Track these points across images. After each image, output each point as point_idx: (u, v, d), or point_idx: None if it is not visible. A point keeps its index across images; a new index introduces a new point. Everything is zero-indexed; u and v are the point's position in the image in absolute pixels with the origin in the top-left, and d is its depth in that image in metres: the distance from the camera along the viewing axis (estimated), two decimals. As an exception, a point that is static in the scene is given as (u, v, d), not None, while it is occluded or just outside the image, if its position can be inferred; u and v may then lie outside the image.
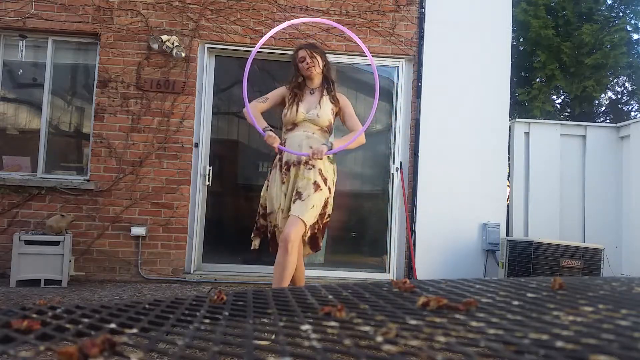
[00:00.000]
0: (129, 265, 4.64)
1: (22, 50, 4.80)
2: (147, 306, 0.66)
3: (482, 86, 5.07)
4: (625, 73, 9.62)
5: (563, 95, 10.00)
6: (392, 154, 5.14)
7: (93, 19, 4.76)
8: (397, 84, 5.18)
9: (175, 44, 4.68)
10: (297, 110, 2.79)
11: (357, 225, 5.41)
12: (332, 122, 2.88)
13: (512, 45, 6.10)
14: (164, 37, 4.66)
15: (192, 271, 4.79)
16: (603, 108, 10.53)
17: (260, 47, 2.78)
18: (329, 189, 2.80)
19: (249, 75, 2.75)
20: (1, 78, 4.86)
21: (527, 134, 5.31)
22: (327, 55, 3.02)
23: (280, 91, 2.94)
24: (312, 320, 0.56)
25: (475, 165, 4.98)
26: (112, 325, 0.54)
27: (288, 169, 2.76)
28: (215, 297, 0.71)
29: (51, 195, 4.61)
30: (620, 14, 9.39)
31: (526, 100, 9.06)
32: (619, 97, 10.39)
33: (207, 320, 0.58)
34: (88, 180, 4.68)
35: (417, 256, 4.87)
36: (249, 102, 2.80)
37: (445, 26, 5.04)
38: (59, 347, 0.43)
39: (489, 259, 4.94)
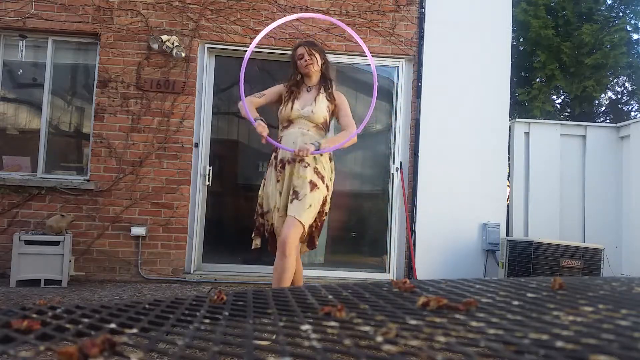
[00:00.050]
0: (129, 265, 4.64)
1: (22, 50, 4.80)
2: (147, 306, 0.66)
3: (482, 86, 5.07)
4: (625, 73, 9.63)
5: (563, 95, 10.00)
6: (392, 154, 5.14)
7: (93, 19, 4.76)
8: (397, 84, 5.18)
9: (175, 44, 4.68)
10: (291, 107, 2.76)
11: (357, 225, 5.41)
12: (328, 119, 2.83)
13: (512, 45, 6.10)
14: (164, 37, 4.67)
15: (192, 271, 4.79)
16: (603, 108, 10.53)
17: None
18: (327, 186, 2.76)
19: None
20: (1, 78, 4.86)
21: (527, 134, 5.32)
22: (326, 54, 3.00)
23: (277, 88, 2.92)
24: (312, 320, 0.56)
25: (475, 165, 4.98)
26: (112, 325, 0.54)
27: (283, 167, 2.73)
28: (215, 297, 0.71)
29: (51, 195, 4.61)
30: (620, 14, 9.39)
31: (526, 100, 9.06)
32: (619, 97, 10.40)
33: (207, 320, 0.58)
34: (88, 180, 4.68)
35: (417, 256, 4.87)
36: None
37: (445, 26, 5.04)
38: (59, 347, 0.43)
39: (489, 259, 4.94)
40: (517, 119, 5.47)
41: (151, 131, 4.75)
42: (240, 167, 5.49)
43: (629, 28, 9.20)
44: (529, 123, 5.42)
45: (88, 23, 4.76)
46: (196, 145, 4.85)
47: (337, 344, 0.45)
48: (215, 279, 4.67)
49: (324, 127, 2.82)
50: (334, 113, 2.88)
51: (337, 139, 2.79)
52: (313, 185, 2.66)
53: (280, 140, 2.78)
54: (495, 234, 4.85)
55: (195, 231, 4.82)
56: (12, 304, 3.43)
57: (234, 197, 5.40)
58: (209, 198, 4.96)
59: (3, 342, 0.48)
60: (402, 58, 5.11)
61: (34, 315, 0.59)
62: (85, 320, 0.57)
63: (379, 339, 0.47)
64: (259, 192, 2.89)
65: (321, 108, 2.77)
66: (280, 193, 2.72)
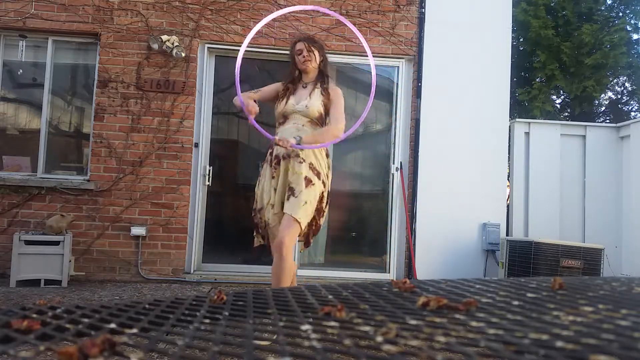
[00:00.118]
0: (129, 265, 4.64)
1: (22, 50, 4.80)
2: (147, 306, 0.66)
3: (482, 86, 5.07)
4: (625, 73, 9.63)
5: (563, 95, 10.01)
6: (392, 154, 5.14)
7: (93, 19, 4.76)
8: (397, 84, 5.18)
9: (175, 44, 4.68)
10: (286, 103, 2.74)
11: (357, 225, 5.41)
12: (323, 114, 2.76)
13: (512, 45, 6.10)
14: (164, 37, 4.67)
15: (192, 271, 4.79)
16: (603, 108, 10.54)
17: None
18: (323, 183, 2.70)
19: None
20: (1, 78, 4.86)
21: (527, 134, 5.32)
22: (326, 53, 2.96)
23: (274, 86, 2.89)
24: (312, 320, 0.56)
25: (475, 165, 4.98)
26: (112, 325, 0.54)
27: (278, 163, 2.69)
28: (215, 297, 0.71)
29: (51, 195, 4.61)
30: (620, 14, 9.40)
31: (526, 100, 9.06)
32: (619, 97, 10.40)
33: (207, 320, 0.58)
34: (88, 180, 4.68)
35: (417, 256, 4.87)
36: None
37: (445, 26, 5.04)
38: (59, 347, 0.43)
39: (489, 259, 4.94)
40: (517, 119, 5.47)
41: (151, 131, 4.75)
42: (240, 167, 5.49)
43: (629, 28, 9.21)
44: (529, 123, 5.42)
45: (88, 23, 4.76)
46: (196, 145, 4.85)
47: (337, 344, 0.45)
48: (215, 279, 4.67)
49: (320, 122, 2.75)
50: (328, 107, 2.79)
51: (319, 137, 2.68)
52: (308, 182, 2.61)
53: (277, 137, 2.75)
54: (495, 234, 4.85)
55: (195, 231, 4.82)
56: (12, 304, 3.43)
57: (234, 197, 5.40)
58: (209, 198, 4.96)
59: (3, 342, 0.48)
60: (402, 58, 5.11)
61: (34, 315, 0.59)
62: (85, 320, 0.57)
63: (379, 339, 0.47)
64: (256, 190, 2.84)
65: (316, 103, 2.72)
66: (275, 189, 2.68)
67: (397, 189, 5.05)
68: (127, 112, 4.73)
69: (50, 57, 4.84)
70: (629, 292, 0.77)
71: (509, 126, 5.24)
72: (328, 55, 2.99)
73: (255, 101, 2.74)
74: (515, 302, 0.66)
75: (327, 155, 2.81)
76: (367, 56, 2.82)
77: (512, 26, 5.74)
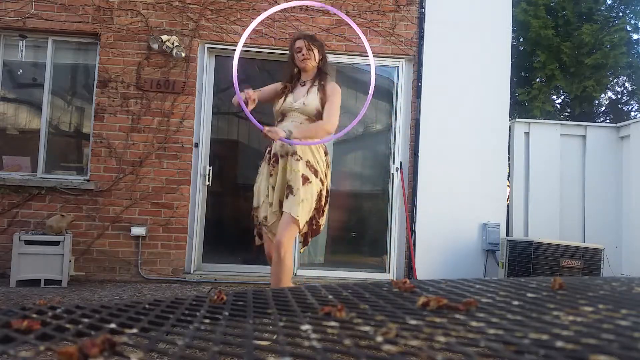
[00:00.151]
0: (129, 265, 4.64)
1: (22, 50, 4.80)
2: (147, 306, 0.66)
3: (482, 86, 5.07)
4: (625, 73, 9.63)
5: (563, 95, 10.01)
6: (392, 154, 5.14)
7: (93, 19, 4.76)
8: (397, 84, 5.18)
9: (175, 44, 4.68)
10: (284, 101, 2.72)
11: (357, 225, 5.41)
12: (321, 110, 2.70)
13: (512, 45, 6.10)
14: (164, 37, 4.66)
15: (192, 271, 4.79)
16: (603, 108, 10.54)
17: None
18: (321, 181, 2.67)
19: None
20: (1, 78, 4.86)
21: (527, 134, 5.32)
22: (326, 51, 2.93)
23: (274, 85, 2.87)
24: (312, 320, 0.56)
25: (475, 165, 4.98)
26: (112, 325, 0.54)
27: (276, 161, 2.67)
28: (215, 297, 0.71)
29: (51, 195, 4.61)
30: (620, 14, 9.40)
31: (526, 100, 9.06)
32: (619, 97, 10.40)
33: (207, 320, 0.58)
34: (88, 180, 4.68)
35: (417, 256, 4.87)
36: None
37: (445, 26, 5.04)
38: (59, 347, 0.43)
39: (489, 259, 4.94)
40: (517, 119, 5.47)
41: (151, 131, 4.75)
42: (240, 167, 5.49)
43: (629, 28, 9.21)
44: (529, 123, 5.42)
45: (88, 23, 4.76)
46: (196, 145, 4.85)
47: (337, 344, 0.45)
48: (215, 279, 4.67)
49: (318, 119, 2.70)
50: (324, 103, 2.75)
51: (309, 132, 2.64)
52: (305, 179, 2.60)
53: None
54: (495, 234, 4.85)
55: (195, 231, 4.82)
56: (12, 304, 3.43)
57: (234, 197, 5.40)
58: (209, 198, 4.96)
59: (3, 342, 0.48)
60: (402, 58, 5.11)
61: (34, 315, 0.59)
62: (85, 320, 0.57)
63: (379, 339, 0.47)
64: (254, 188, 2.82)
65: (313, 100, 2.69)
66: (273, 187, 2.67)
67: (397, 189, 5.05)
68: (127, 112, 4.73)
69: (50, 57, 4.84)
70: (629, 292, 0.77)
71: (509, 126, 5.24)
72: (328, 55, 2.97)
73: (255, 101, 2.73)
74: (515, 302, 0.66)
75: (326, 153, 2.79)
76: (367, 56, 2.80)
77: (512, 26, 5.74)
